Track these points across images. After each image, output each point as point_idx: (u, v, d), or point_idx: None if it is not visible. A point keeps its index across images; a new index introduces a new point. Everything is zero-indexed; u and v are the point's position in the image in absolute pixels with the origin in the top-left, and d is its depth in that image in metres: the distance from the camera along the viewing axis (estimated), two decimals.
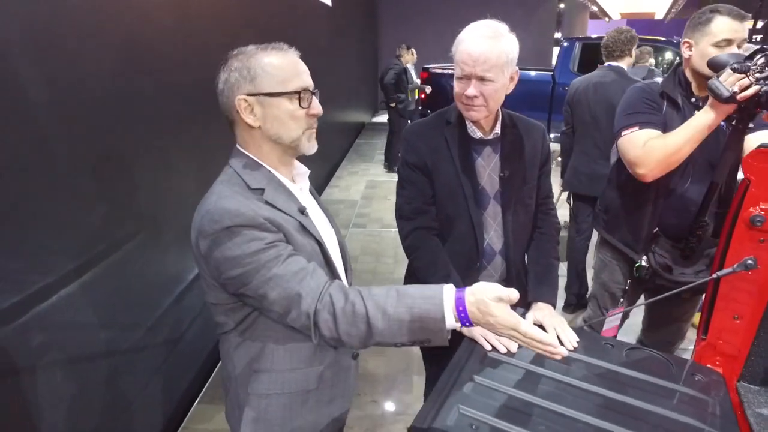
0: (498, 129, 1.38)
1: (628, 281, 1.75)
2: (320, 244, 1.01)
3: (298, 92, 0.95)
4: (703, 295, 1.31)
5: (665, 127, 1.50)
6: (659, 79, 1.68)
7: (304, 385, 1.04)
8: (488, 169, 1.38)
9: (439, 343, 0.87)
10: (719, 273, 1.11)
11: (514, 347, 1.18)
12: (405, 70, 6.08)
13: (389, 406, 2.32)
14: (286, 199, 0.98)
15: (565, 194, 3.24)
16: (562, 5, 11.47)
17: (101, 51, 1.51)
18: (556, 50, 7.72)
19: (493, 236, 1.41)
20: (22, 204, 1.22)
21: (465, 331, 1.27)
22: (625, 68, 2.88)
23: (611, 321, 1.55)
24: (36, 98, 1.25)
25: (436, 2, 10.41)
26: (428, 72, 6.85)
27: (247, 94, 0.92)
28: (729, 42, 1.44)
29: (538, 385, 1.08)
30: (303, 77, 0.97)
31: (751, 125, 1.36)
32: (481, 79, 1.22)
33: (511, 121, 1.40)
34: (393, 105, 6.11)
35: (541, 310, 1.32)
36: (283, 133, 0.96)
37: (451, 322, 0.85)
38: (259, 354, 1.00)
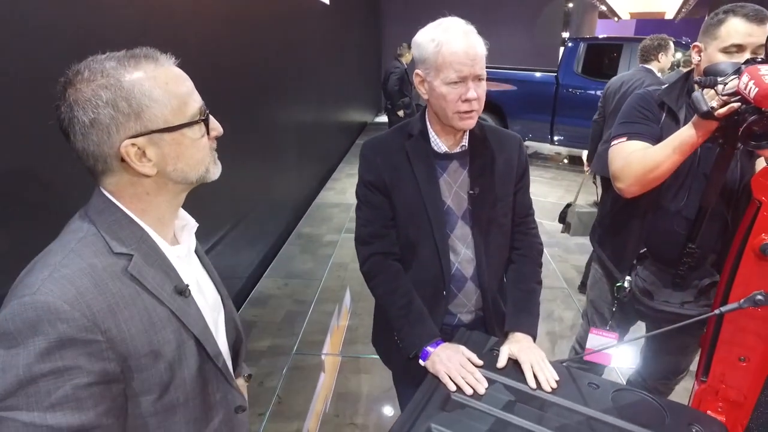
0: (465, 141, 1.24)
1: (615, 302, 1.59)
2: (195, 339, 0.77)
3: (203, 119, 0.74)
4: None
5: (661, 140, 1.34)
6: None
7: None
8: (455, 186, 1.24)
9: None
10: (723, 309, 0.96)
11: (481, 388, 1.03)
12: (406, 72, 5.93)
13: (368, 431, 2.17)
14: (159, 274, 0.74)
15: (591, 175, 3.52)
16: (570, 5, 11.22)
17: (43, 50, 1.37)
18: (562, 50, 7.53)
19: (463, 260, 1.27)
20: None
21: (428, 365, 1.13)
22: (656, 71, 3.28)
23: (600, 346, 1.39)
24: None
25: (441, 1, 10.27)
26: None
27: (134, 136, 0.67)
28: (740, 48, 1.26)
29: None
30: (194, 95, 0.74)
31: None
32: (479, 78, 1.11)
33: (482, 132, 1.26)
34: (400, 113, 5.98)
35: (517, 342, 1.17)
36: (190, 171, 0.74)
37: None
38: None
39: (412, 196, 1.21)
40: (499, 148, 1.26)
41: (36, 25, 1.33)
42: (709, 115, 1.10)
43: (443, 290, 1.26)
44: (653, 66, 3.31)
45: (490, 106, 6.40)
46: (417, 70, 1.17)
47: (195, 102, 0.74)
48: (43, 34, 1.36)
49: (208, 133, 0.76)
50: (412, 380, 1.38)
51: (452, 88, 1.10)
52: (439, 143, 1.22)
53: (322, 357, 2.71)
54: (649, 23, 18.62)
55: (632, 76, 3.26)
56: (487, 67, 1.13)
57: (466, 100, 1.11)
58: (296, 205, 4.66)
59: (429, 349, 1.16)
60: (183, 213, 0.85)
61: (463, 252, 1.26)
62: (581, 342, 1.86)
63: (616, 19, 19.15)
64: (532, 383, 1.06)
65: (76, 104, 0.66)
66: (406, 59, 6.05)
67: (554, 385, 1.05)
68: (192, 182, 0.77)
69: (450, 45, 1.08)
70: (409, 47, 6.15)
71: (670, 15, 18.66)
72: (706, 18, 1.36)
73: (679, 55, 5.39)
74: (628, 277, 1.50)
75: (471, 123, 1.16)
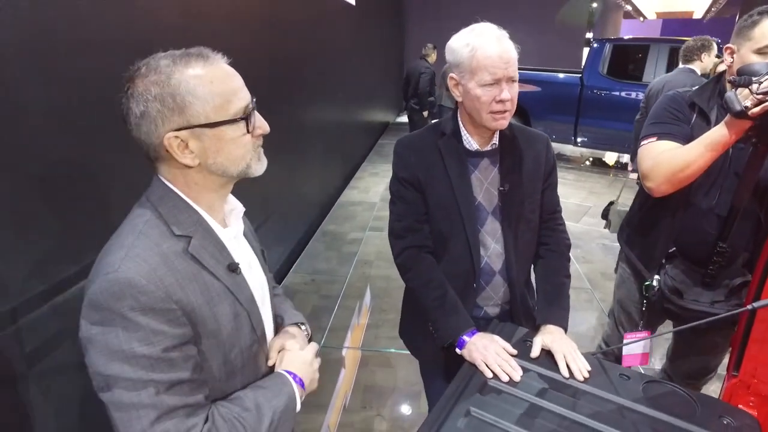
0: (496, 140, 1.29)
1: (644, 302, 1.61)
2: (247, 311, 0.86)
3: (243, 117, 0.77)
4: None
5: (691, 141, 1.36)
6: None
7: None
8: (486, 182, 1.29)
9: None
10: (756, 304, 0.98)
11: (517, 376, 1.08)
12: (434, 72, 5.94)
13: (394, 422, 2.22)
14: (215, 253, 0.81)
15: (635, 174, 3.75)
16: (594, 5, 11.10)
17: (104, 51, 1.47)
18: (587, 51, 7.46)
19: (492, 255, 1.31)
20: (23, 208, 1.19)
21: (465, 354, 1.18)
22: (698, 71, 3.33)
23: (631, 348, 1.42)
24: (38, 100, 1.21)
25: (464, 1, 10.25)
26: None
27: (177, 129, 0.73)
28: None
29: (541, 420, 0.97)
30: (242, 94, 0.78)
31: None
32: (512, 80, 1.16)
33: (511, 131, 1.31)
34: (426, 114, 6.00)
35: (550, 334, 1.21)
36: (230, 165, 0.79)
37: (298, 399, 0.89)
38: None
39: (444, 192, 1.26)
40: (527, 146, 1.31)
41: (91, 29, 1.43)
42: (742, 114, 1.13)
43: (473, 283, 1.31)
44: (696, 66, 3.34)
45: None
46: (451, 74, 1.22)
47: (240, 100, 0.77)
48: (99, 38, 1.45)
49: (251, 132, 0.79)
50: (440, 371, 1.44)
51: (486, 89, 1.15)
52: (471, 141, 1.27)
53: (349, 351, 2.78)
54: (675, 23, 18.24)
55: (675, 77, 3.30)
56: None
57: (500, 101, 1.16)
58: (321, 202, 4.74)
59: (465, 338, 1.20)
60: (231, 198, 0.90)
61: (492, 246, 1.31)
62: (608, 341, 1.87)
63: (641, 19, 18.80)
64: (565, 372, 1.10)
65: (132, 97, 0.72)
66: (431, 59, 6.07)
67: (586, 375, 1.09)
68: (233, 176, 0.82)
69: (484, 49, 1.14)
70: (434, 48, 6.26)
71: (698, 14, 18.24)
72: (739, 20, 1.38)
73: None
74: (657, 276, 1.52)
75: (504, 123, 1.20)
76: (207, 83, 0.73)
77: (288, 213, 3.70)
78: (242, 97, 0.78)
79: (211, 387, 0.80)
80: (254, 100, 0.81)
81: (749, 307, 1.00)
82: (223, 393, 0.82)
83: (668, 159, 1.33)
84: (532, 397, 1.03)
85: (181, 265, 0.75)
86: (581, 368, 1.10)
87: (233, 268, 0.83)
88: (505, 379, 1.08)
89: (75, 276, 1.38)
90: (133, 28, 1.63)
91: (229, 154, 0.78)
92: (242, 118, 0.77)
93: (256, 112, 0.81)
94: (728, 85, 1.36)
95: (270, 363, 0.93)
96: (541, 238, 1.39)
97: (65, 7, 1.32)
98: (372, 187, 5.75)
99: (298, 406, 0.89)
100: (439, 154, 1.27)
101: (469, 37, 1.17)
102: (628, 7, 16.20)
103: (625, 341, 1.55)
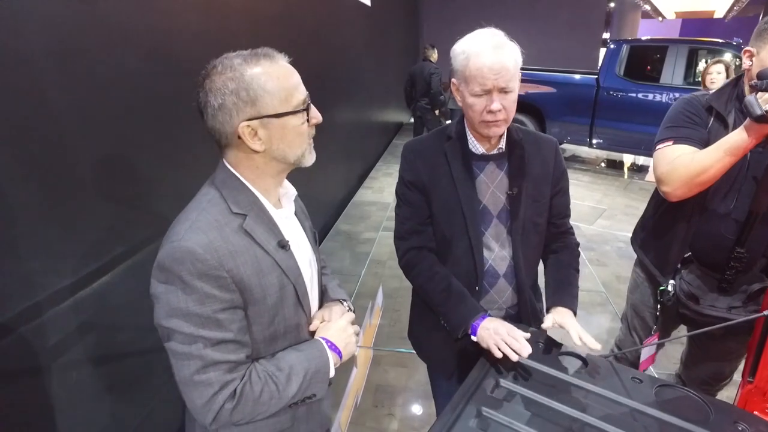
0: (503, 144, 1.29)
1: (657, 306, 1.60)
2: (293, 284, 0.95)
3: (304, 108, 0.89)
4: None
5: (708, 144, 1.35)
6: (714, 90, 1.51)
7: (278, 426, 0.99)
8: (492, 186, 1.30)
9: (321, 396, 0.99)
10: None
11: (525, 352, 1.10)
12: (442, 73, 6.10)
13: (405, 422, 2.24)
14: (266, 230, 0.92)
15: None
16: (612, 4, 10.96)
17: (124, 52, 1.51)
18: (603, 52, 7.38)
19: (497, 258, 1.32)
20: (43, 205, 1.23)
21: (480, 340, 1.20)
22: None
23: (646, 352, 1.41)
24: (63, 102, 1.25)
25: (480, 2, 10.21)
26: None
27: (250, 119, 0.84)
28: None
29: (552, 422, 0.98)
30: (300, 88, 0.89)
31: None
32: (503, 90, 1.15)
33: (519, 135, 1.31)
34: (436, 112, 6.17)
35: (560, 313, 1.23)
36: (289, 152, 0.90)
37: (331, 363, 0.98)
38: None
39: (449, 194, 1.28)
40: (535, 151, 1.31)
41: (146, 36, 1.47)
42: (763, 118, 1.12)
43: (475, 286, 1.31)
44: None
45: (528, 108, 6.36)
46: (453, 79, 1.23)
47: (300, 94, 0.88)
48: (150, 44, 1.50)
49: (308, 121, 0.90)
50: (447, 373, 1.45)
51: (478, 99, 1.17)
52: (477, 145, 1.28)
53: (361, 350, 2.80)
54: (695, 23, 17.93)
55: None
56: (525, 69, 1.17)
57: (490, 111, 1.16)
58: (335, 202, 4.78)
59: (477, 323, 1.21)
60: (286, 183, 1.01)
61: (497, 250, 1.31)
62: (620, 345, 1.86)
63: (660, 18, 18.51)
64: (578, 341, 1.13)
65: (210, 92, 0.83)
66: (434, 59, 6.23)
67: (598, 347, 1.11)
68: (290, 162, 0.92)
69: (476, 59, 1.13)
70: (432, 47, 6.44)
71: (719, 14, 17.89)
72: (760, 22, 1.36)
73: (728, 57, 5.20)
74: (672, 281, 1.51)
75: (498, 131, 1.21)
76: (275, 79, 0.84)
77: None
78: (301, 90, 0.89)
79: (255, 348, 0.90)
80: (308, 94, 0.91)
81: (765, 313, 1.00)
82: (265, 354, 0.93)
83: (685, 163, 1.32)
84: (544, 398, 1.04)
85: (236, 239, 0.85)
86: (592, 341, 1.12)
87: (283, 244, 0.93)
88: (515, 358, 1.09)
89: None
90: (153, 30, 1.67)
91: (291, 141, 0.89)
92: (303, 110, 0.88)
93: (311, 104, 0.91)
94: (747, 89, 1.35)
95: (312, 329, 1.03)
96: (549, 242, 1.40)
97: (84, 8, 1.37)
98: (386, 187, 5.77)
99: (332, 371, 0.98)
100: (445, 158, 1.29)
101: (467, 44, 1.16)
102: (647, 7, 15.97)
103: (644, 345, 1.55)
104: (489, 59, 1.12)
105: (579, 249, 1.42)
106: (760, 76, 1.22)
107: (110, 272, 1.49)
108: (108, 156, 1.47)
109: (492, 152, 1.29)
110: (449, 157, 1.28)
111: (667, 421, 0.98)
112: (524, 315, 1.37)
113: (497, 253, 1.31)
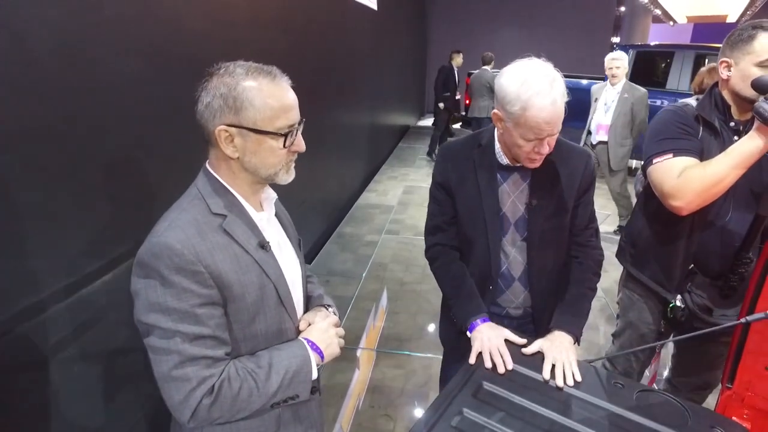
0: None
1: (662, 322, 1.60)
2: (275, 285, 0.96)
3: (284, 134, 0.90)
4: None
5: (702, 154, 1.36)
6: (692, 101, 1.50)
7: (262, 430, 0.99)
8: (513, 196, 1.35)
9: (304, 398, 0.99)
10: (749, 318, 1.00)
11: (502, 368, 1.17)
12: (452, 71, 6.94)
13: (401, 423, 2.27)
14: (246, 231, 0.94)
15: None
16: (622, 8, 10.92)
17: (125, 55, 1.56)
18: None
19: (513, 262, 1.40)
20: (47, 205, 1.27)
21: (472, 337, 1.28)
22: None
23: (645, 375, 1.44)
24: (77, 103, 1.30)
25: (487, 5, 10.22)
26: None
27: (229, 125, 0.87)
28: None
29: (532, 424, 1.01)
30: (290, 114, 0.91)
31: None
32: (553, 135, 1.18)
33: None
34: (440, 105, 7.02)
35: (551, 341, 1.25)
36: (261, 168, 0.92)
37: (313, 364, 0.99)
38: None
39: (472, 199, 1.35)
40: (562, 163, 1.32)
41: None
42: None
43: (490, 285, 1.40)
44: None
45: None
46: (496, 110, 1.22)
47: (287, 119, 0.90)
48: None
49: (287, 146, 0.92)
50: (459, 358, 1.50)
51: (528, 142, 1.18)
52: (503, 157, 1.32)
53: (360, 352, 2.83)
54: (707, 28, 17.76)
55: None
56: None
57: (539, 153, 1.19)
58: (339, 204, 4.82)
59: (476, 322, 1.30)
60: (267, 187, 1.03)
61: (512, 255, 1.38)
62: (614, 362, 1.81)
63: (671, 23, 18.37)
64: (547, 375, 1.14)
65: (205, 89, 0.88)
66: (456, 63, 6.88)
67: (570, 383, 1.12)
68: (262, 177, 0.94)
69: (535, 112, 1.11)
70: (457, 52, 7.09)
71: (732, 18, 17.72)
72: (729, 36, 1.38)
73: None
74: (679, 296, 1.51)
75: (538, 164, 1.24)
76: (265, 96, 0.87)
77: (307, 213, 3.78)
78: (290, 117, 0.91)
79: (235, 347, 0.92)
80: (303, 121, 0.94)
81: (743, 320, 1.02)
82: (246, 353, 0.95)
83: (698, 176, 1.30)
84: (526, 401, 1.06)
85: (214, 237, 0.89)
86: (567, 376, 1.14)
87: (263, 244, 0.96)
88: (502, 370, 1.16)
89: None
90: (156, 34, 1.72)
91: (263, 159, 0.91)
92: (282, 134, 0.90)
93: (299, 133, 0.94)
94: (728, 97, 1.39)
95: (301, 328, 1.05)
96: (572, 251, 1.42)
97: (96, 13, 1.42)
98: (390, 191, 5.80)
99: (314, 371, 0.99)
100: (473, 164, 1.35)
101: (523, 88, 1.12)
102: (658, 11, 15.86)
103: (631, 350, 1.56)
104: (548, 113, 1.11)
105: (601, 264, 1.42)
106: (756, 85, 1.24)
107: (111, 271, 1.54)
108: (109, 156, 1.52)
109: (517, 164, 1.31)
110: (476, 164, 1.34)
111: (645, 425, 1.01)
112: (539, 316, 1.44)
113: (513, 258, 1.39)
